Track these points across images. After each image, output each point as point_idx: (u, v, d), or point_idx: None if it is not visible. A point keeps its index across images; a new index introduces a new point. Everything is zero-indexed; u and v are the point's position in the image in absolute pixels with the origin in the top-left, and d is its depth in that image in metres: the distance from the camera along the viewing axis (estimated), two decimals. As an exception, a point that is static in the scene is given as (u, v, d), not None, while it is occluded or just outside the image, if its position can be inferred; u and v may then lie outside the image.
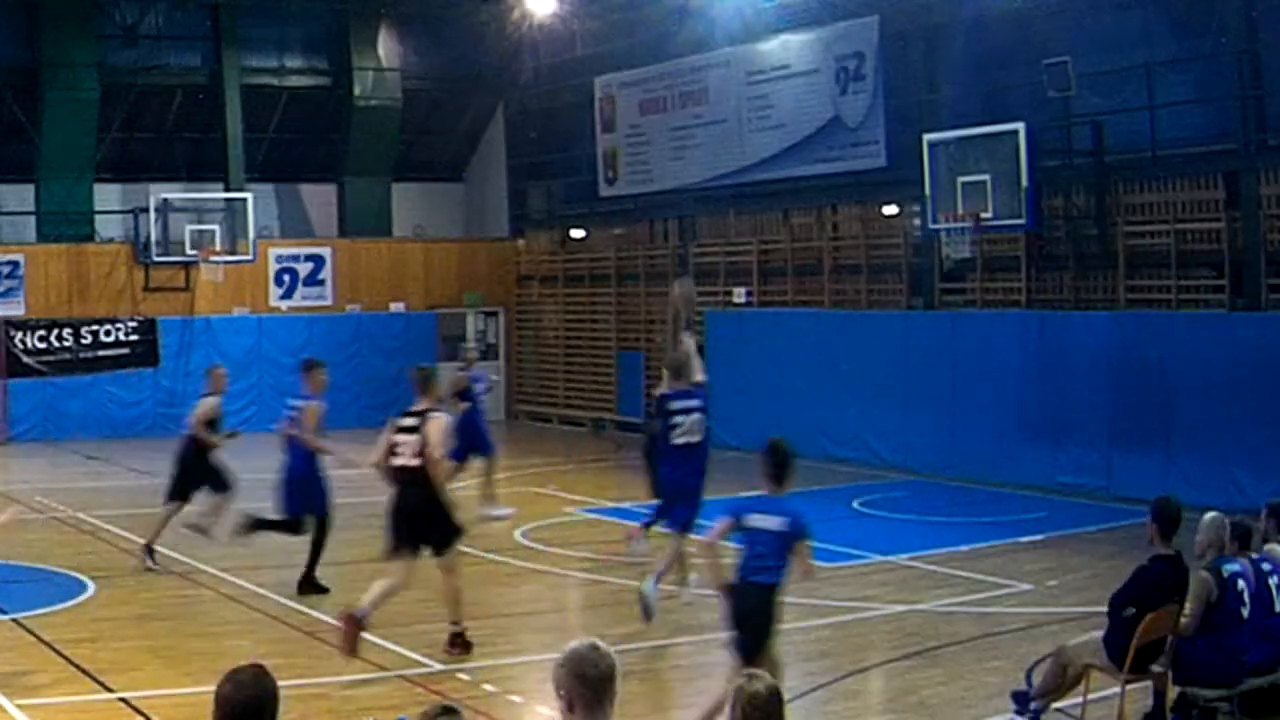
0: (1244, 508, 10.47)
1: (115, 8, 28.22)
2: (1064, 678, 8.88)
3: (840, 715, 9.79)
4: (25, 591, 13.52)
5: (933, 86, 22.29)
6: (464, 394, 17.89)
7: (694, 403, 12.58)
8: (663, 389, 13.05)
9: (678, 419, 12.50)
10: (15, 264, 27.40)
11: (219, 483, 15.22)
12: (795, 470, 8.82)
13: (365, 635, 10.79)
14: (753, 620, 8.47)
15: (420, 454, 11.02)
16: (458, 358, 19.43)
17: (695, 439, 12.51)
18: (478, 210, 33.23)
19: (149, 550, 14.84)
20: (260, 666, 4.46)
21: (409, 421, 11.21)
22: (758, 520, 8.57)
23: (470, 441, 17.43)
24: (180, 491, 15.10)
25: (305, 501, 13.84)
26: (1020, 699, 9.12)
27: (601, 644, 4.57)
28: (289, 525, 14.03)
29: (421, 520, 11.16)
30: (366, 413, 29.47)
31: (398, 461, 11.16)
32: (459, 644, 11.32)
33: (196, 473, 15.13)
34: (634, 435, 27.63)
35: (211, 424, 15.27)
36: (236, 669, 4.43)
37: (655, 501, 13.61)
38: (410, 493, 11.13)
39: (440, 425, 11.16)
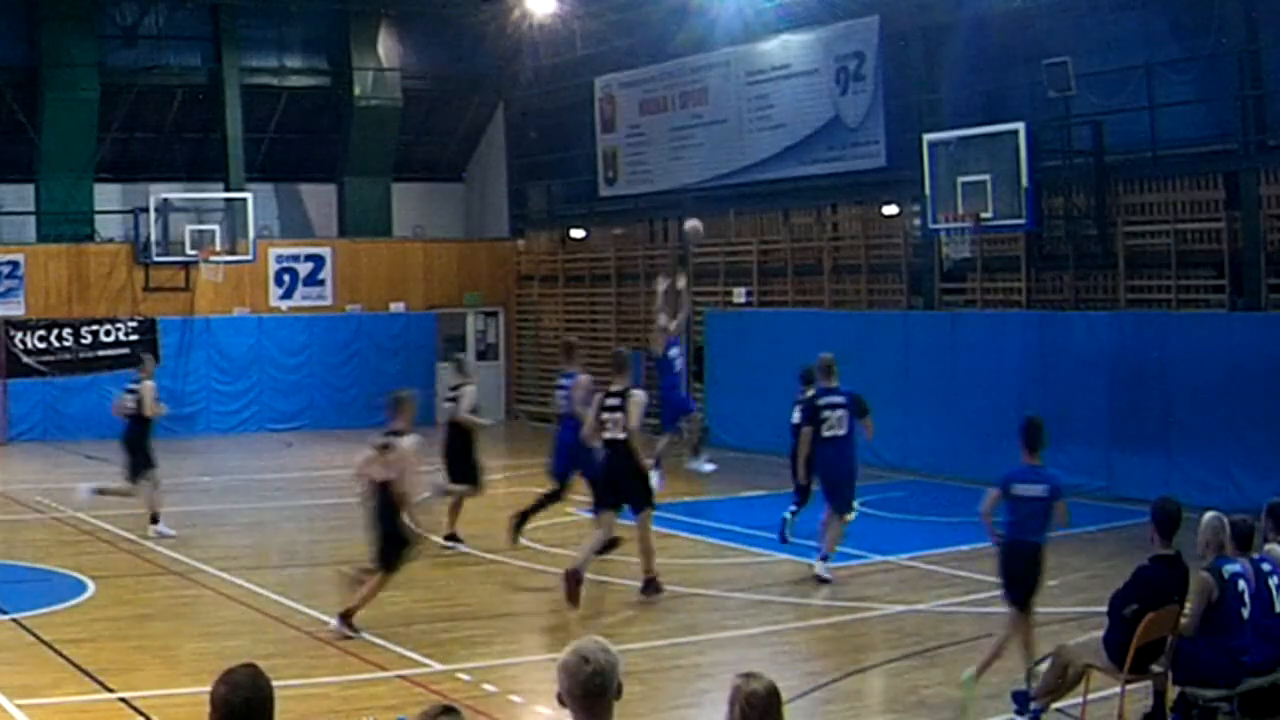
0: (1244, 508, 10.45)
1: (115, 8, 28.22)
2: (1064, 678, 8.88)
3: (840, 715, 9.79)
4: (25, 591, 13.53)
5: (933, 86, 22.28)
6: (661, 365, 18.61)
7: (838, 399, 14.26)
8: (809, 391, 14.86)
9: (825, 414, 14.22)
10: (15, 264, 27.40)
11: (473, 477, 16.36)
12: (1047, 441, 10.27)
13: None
14: (1024, 574, 9.77)
15: (626, 428, 12.99)
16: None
17: (841, 432, 14.18)
18: (478, 210, 33.23)
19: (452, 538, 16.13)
20: (254, 666, 4.44)
21: (613, 401, 13.10)
22: (1021, 489, 9.82)
23: (674, 409, 18.60)
24: (463, 477, 16.31)
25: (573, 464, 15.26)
26: (1020, 699, 9.11)
27: (603, 644, 4.54)
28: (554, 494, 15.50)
29: (624, 484, 13.10)
30: (366, 413, 29.55)
31: (607, 435, 13.10)
32: (653, 587, 13.09)
33: (460, 461, 16.36)
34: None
35: (475, 409, 16.58)
36: (230, 670, 4.41)
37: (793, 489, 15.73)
38: (617, 461, 13.08)
39: (639, 402, 13.08)
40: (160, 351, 27.97)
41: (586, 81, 29.06)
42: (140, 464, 16.92)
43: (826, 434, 14.12)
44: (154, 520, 16.80)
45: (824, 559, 14.00)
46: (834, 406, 14.16)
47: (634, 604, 13.17)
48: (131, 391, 17.16)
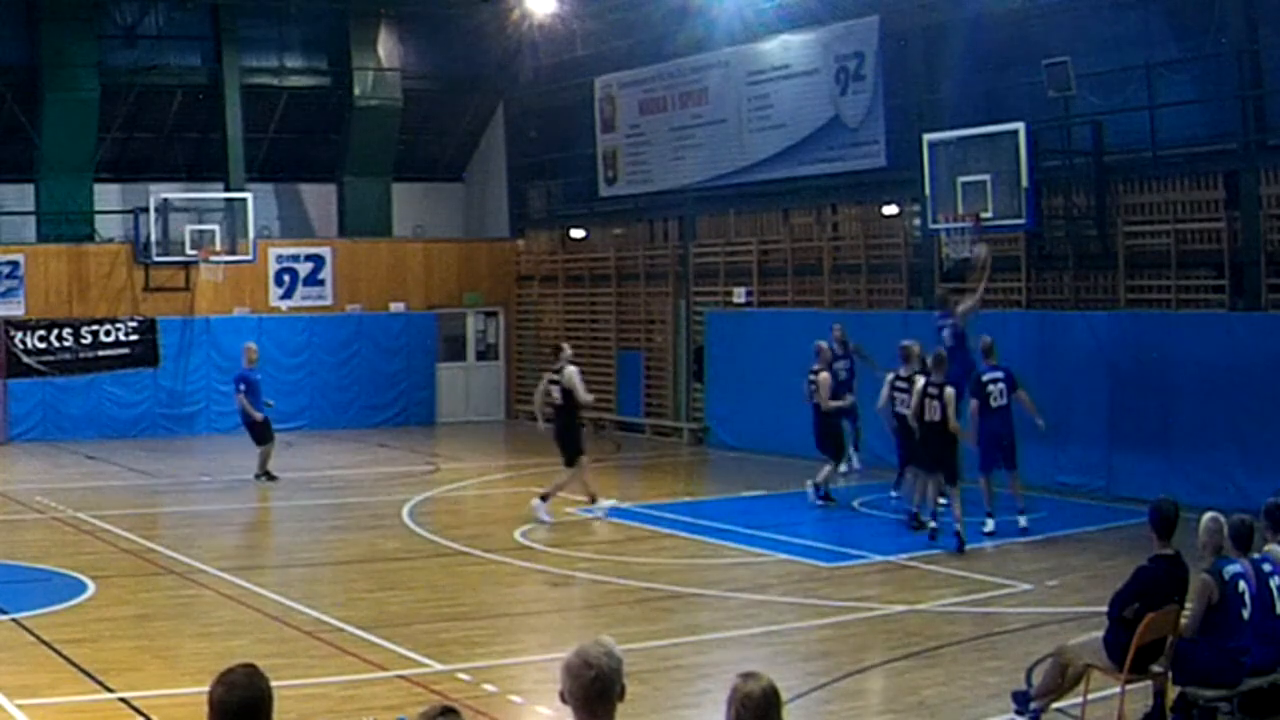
0: (1244, 507, 10.45)
1: (115, 8, 28.21)
2: (1064, 678, 8.88)
3: (840, 715, 9.79)
4: (25, 591, 13.53)
5: (933, 86, 22.28)
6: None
7: (998, 374, 16.50)
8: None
9: (990, 388, 16.35)
10: (15, 264, 27.38)
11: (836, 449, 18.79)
12: None
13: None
14: None
15: (944, 415, 15.65)
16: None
17: (1003, 402, 16.39)
18: (478, 210, 33.22)
19: (820, 487, 18.40)
20: (252, 666, 4.42)
21: (933, 390, 15.76)
22: None
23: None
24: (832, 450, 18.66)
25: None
26: (1020, 699, 9.11)
27: (608, 645, 4.53)
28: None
29: (939, 455, 15.82)
30: (366, 412, 29.60)
31: (927, 417, 15.76)
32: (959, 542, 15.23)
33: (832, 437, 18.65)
34: (633, 435, 27.66)
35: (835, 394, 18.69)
36: (228, 670, 4.39)
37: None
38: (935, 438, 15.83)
39: (952, 396, 15.74)
40: (160, 351, 28.03)
41: (586, 81, 29.05)
42: (570, 452, 17.60)
43: (993, 405, 16.29)
44: (592, 500, 17.84)
45: (991, 515, 16.14)
46: (995, 381, 16.39)
47: (634, 604, 13.18)
48: (554, 381, 17.62)
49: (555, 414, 17.85)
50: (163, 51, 28.58)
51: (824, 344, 19.03)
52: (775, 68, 24.62)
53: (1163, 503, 8.80)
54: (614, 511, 17.81)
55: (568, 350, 18.24)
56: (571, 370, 17.61)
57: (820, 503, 18.50)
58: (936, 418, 15.83)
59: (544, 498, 17.57)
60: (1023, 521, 16.32)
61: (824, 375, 18.63)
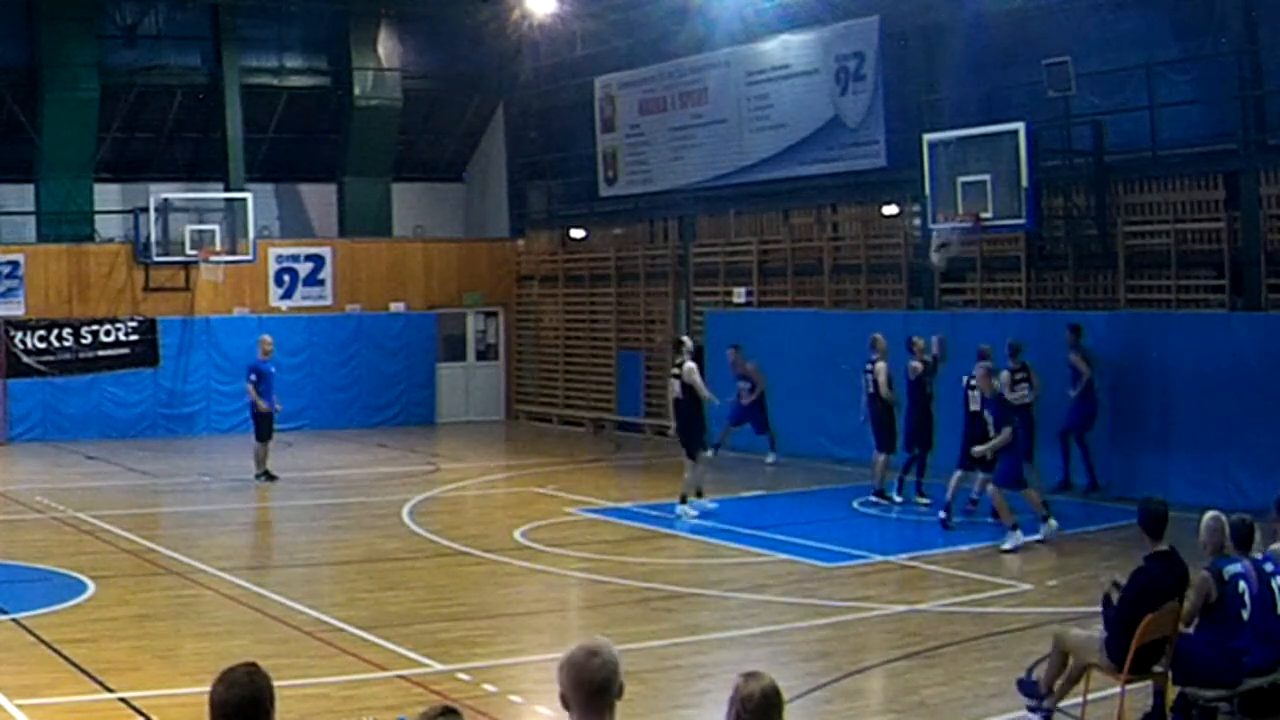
0: (1244, 507, 10.45)
1: (115, 8, 28.21)
2: (1065, 664, 8.87)
3: (840, 715, 9.79)
4: (25, 591, 13.53)
5: (933, 86, 22.28)
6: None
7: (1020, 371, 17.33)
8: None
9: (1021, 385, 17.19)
10: (15, 264, 27.37)
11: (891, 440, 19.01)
12: None
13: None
14: None
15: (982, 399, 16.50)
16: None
17: (1028, 399, 17.40)
18: (478, 210, 33.23)
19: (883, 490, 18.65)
20: (253, 665, 4.42)
21: (973, 380, 16.63)
22: None
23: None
24: (891, 445, 18.81)
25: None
26: (1027, 688, 9.09)
27: (604, 645, 4.54)
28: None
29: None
30: (366, 413, 29.60)
31: (973, 407, 16.55)
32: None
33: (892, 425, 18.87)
34: (633, 435, 27.65)
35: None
36: (228, 669, 4.39)
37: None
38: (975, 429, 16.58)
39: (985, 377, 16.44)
40: (160, 351, 28.02)
41: (586, 81, 29.05)
42: (692, 443, 17.97)
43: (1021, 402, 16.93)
44: (698, 495, 18.00)
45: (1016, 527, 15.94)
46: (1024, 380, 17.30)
47: (634, 604, 13.18)
48: (675, 376, 18.11)
49: (675, 409, 18.11)
50: (163, 51, 28.57)
51: (879, 335, 19.06)
52: (775, 68, 24.62)
53: (1150, 502, 8.82)
54: (705, 514, 17.77)
55: (689, 343, 18.47)
56: (691, 366, 17.87)
57: (899, 499, 18.70)
58: (976, 408, 16.63)
59: (683, 499, 17.82)
60: (1041, 532, 15.85)
61: (881, 365, 18.70)
